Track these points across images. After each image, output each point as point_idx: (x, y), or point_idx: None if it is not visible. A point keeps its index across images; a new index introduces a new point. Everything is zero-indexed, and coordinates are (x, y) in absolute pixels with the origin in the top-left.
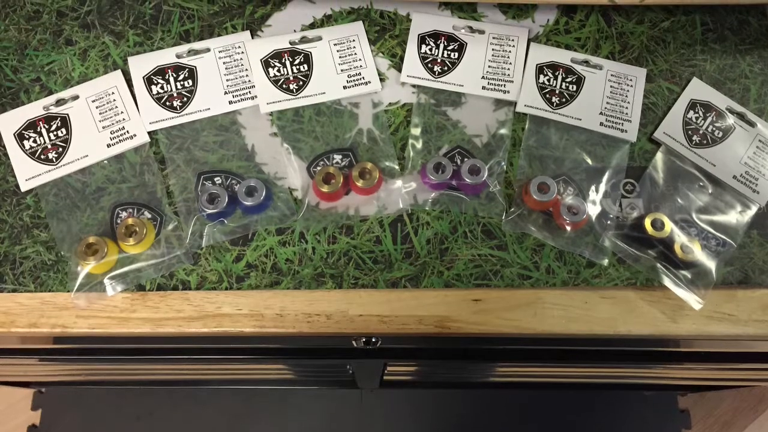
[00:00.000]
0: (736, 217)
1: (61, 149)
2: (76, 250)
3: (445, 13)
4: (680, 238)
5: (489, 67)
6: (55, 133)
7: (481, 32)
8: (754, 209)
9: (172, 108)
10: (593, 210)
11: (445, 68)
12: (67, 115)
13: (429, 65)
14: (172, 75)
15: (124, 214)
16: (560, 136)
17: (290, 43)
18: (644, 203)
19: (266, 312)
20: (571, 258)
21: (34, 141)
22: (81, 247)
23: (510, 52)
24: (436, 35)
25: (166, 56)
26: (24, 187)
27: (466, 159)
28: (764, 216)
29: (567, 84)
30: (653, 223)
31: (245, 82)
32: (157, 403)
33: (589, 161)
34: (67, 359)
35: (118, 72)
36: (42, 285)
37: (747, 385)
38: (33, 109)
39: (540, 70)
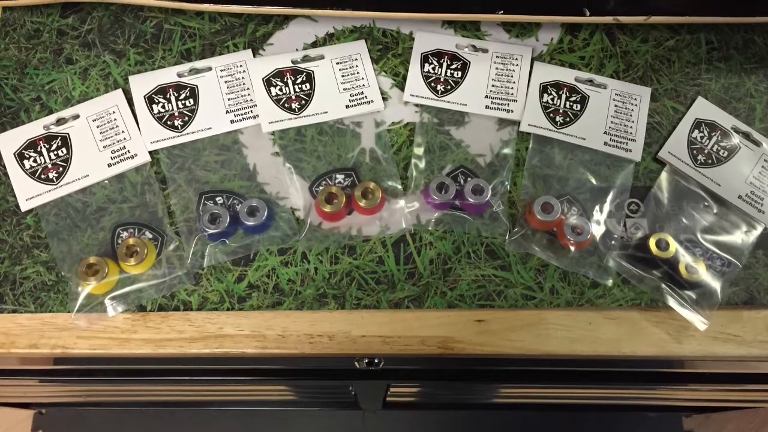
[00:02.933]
0: (742, 237)
1: (61, 169)
2: (76, 271)
3: (448, 31)
4: (685, 258)
5: (492, 86)
6: (55, 152)
7: (485, 51)
8: (759, 229)
9: (173, 127)
10: (597, 230)
11: (449, 87)
12: (68, 134)
13: (432, 84)
14: (173, 94)
15: (125, 234)
16: (564, 155)
17: (292, 61)
18: (649, 223)
19: (268, 333)
20: (575, 278)
21: (35, 160)
22: (81, 267)
23: (513, 71)
24: (439, 54)
25: (167, 75)
26: (24, 206)
27: (469, 179)
28: None
29: (571, 103)
30: (658, 244)
31: (247, 101)
32: (158, 425)
33: (594, 181)
34: (67, 380)
35: (119, 91)
36: (42, 305)
37: (752, 406)
38: (33, 129)
39: (544, 89)
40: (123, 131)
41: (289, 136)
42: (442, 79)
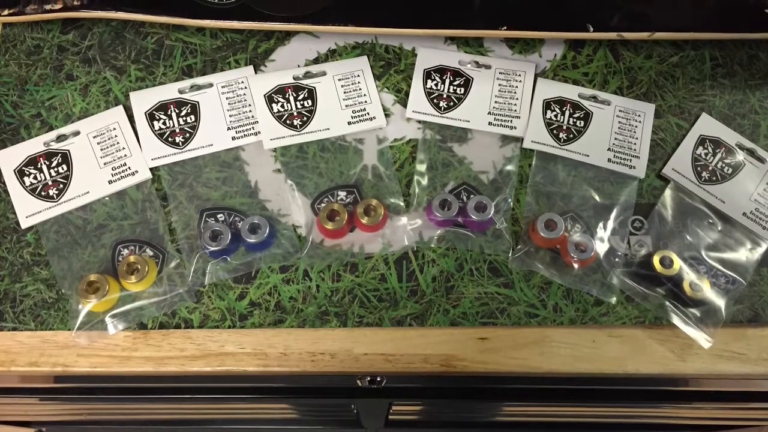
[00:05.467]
0: (746, 254)
1: (61, 186)
2: (77, 288)
3: (451, 47)
4: (689, 275)
5: (495, 102)
6: (55, 169)
7: (488, 67)
8: (764, 246)
9: (174, 144)
10: (601, 247)
11: (451, 104)
12: (68, 151)
13: (435, 101)
14: (175, 110)
15: (125, 252)
16: (568, 172)
17: (294, 78)
18: (653, 240)
19: (270, 351)
20: (579, 296)
21: (35, 177)
22: (82, 284)
23: (517, 87)
24: (441, 70)
25: (168, 91)
26: (24, 224)
27: (472, 195)
28: None
29: (574, 120)
30: (662, 261)
31: (248, 117)
32: None
33: (597, 198)
34: (68, 398)
35: (120, 107)
36: (43, 323)
37: (758, 424)
38: (33, 145)
39: (547, 105)
40: (124, 148)
41: (290, 153)
42: (444, 96)
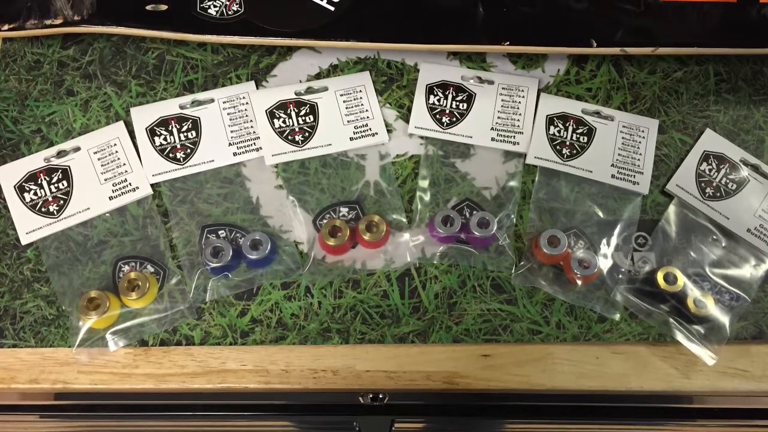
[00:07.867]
0: (750, 271)
1: (62, 202)
2: (77, 305)
3: (453, 63)
4: (693, 292)
5: (498, 118)
6: (56, 185)
7: (490, 82)
8: None
9: (175, 160)
10: (604, 264)
11: (454, 119)
12: (69, 167)
13: (437, 116)
14: (176, 126)
15: (126, 268)
16: (571, 188)
17: (296, 93)
18: (656, 257)
19: (271, 368)
20: (582, 313)
21: (35, 193)
22: (82, 301)
23: (520, 102)
24: (444, 86)
25: (169, 107)
26: (24, 240)
27: (474, 212)
28: None
29: (578, 135)
30: (666, 277)
31: (250, 133)
32: None
33: (601, 214)
34: (68, 416)
35: (120, 123)
36: (43, 340)
37: None
38: (33, 161)
39: (550, 121)
40: (124, 164)
41: (292, 169)
42: (447, 111)
